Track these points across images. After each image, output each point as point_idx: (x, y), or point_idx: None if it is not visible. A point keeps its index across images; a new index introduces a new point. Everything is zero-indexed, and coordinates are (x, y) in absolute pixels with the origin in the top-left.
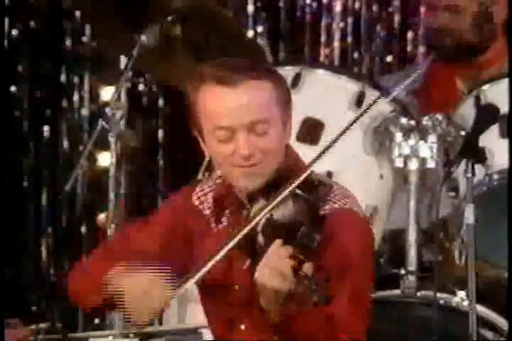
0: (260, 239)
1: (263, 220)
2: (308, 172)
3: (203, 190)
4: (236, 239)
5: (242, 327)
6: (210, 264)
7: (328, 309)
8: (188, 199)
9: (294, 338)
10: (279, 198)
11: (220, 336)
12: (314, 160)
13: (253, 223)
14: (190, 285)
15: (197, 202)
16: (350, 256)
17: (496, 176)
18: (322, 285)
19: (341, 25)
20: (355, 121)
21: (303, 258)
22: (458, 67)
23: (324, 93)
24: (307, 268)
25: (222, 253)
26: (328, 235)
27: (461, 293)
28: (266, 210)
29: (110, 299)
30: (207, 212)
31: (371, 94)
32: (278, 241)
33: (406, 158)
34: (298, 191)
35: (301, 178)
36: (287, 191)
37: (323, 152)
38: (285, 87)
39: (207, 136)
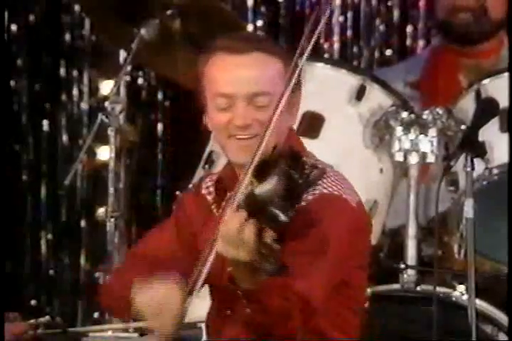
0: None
1: (244, 194)
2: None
3: (211, 179)
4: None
5: (228, 312)
6: (210, 260)
7: (299, 289)
8: (199, 191)
9: (265, 312)
10: (252, 168)
11: (210, 322)
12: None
13: (235, 199)
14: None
15: (205, 191)
16: (329, 242)
17: (495, 170)
18: (276, 256)
19: (341, 19)
20: None
21: (264, 227)
22: (459, 56)
23: (324, 86)
24: (267, 236)
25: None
26: (311, 218)
27: (461, 288)
28: (244, 184)
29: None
30: (211, 199)
31: (371, 88)
32: (231, 209)
33: (406, 152)
34: (288, 170)
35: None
36: (255, 162)
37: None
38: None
39: (209, 104)
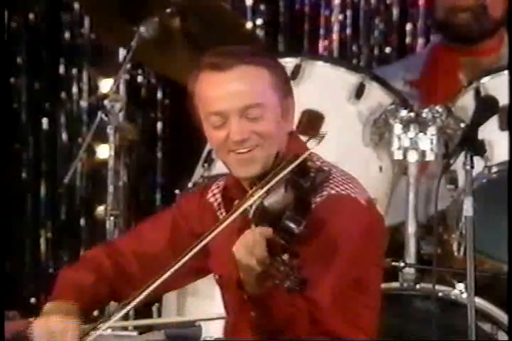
0: (252, 226)
1: (253, 207)
2: (300, 159)
3: (218, 186)
4: (218, 229)
5: (252, 313)
6: (180, 263)
7: (309, 293)
8: (204, 196)
9: (270, 316)
10: (270, 184)
11: (232, 325)
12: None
13: (239, 210)
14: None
15: (212, 199)
16: (341, 243)
17: (495, 168)
18: (295, 272)
19: (340, 17)
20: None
21: (281, 242)
22: (459, 54)
23: (323, 85)
24: (284, 252)
25: (192, 252)
26: (319, 220)
27: (460, 286)
28: (255, 197)
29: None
30: (217, 205)
31: (370, 86)
32: (260, 227)
33: (405, 151)
34: (293, 177)
35: (293, 165)
36: (278, 177)
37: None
38: (283, 73)
39: (204, 123)
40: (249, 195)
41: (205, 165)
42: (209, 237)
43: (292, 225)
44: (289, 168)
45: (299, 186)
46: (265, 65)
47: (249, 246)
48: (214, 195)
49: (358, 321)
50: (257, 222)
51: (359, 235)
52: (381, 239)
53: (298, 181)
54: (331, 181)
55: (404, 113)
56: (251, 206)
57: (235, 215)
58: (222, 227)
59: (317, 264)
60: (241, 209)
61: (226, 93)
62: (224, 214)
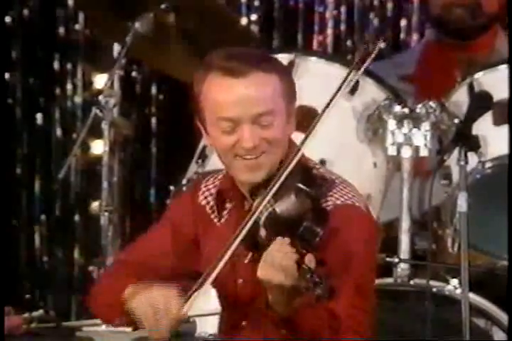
0: (262, 232)
1: (265, 214)
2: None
3: (208, 189)
4: (240, 237)
5: (244, 323)
6: (219, 267)
7: (331, 304)
8: (195, 198)
9: (300, 332)
10: (274, 189)
11: (224, 332)
12: (302, 143)
13: (254, 217)
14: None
15: (204, 202)
16: (353, 253)
17: (489, 164)
18: (324, 279)
19: (334, 13)
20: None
21: (304, 252)
22: (453, 50)
23: (318, 81)
24: (308, 260)
25: (228, 254)
26: (331, 232)
27: (454, 281)
28: (263, 203)
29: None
30: (210, 209)
31: (364, 82)
32: (280, 239)
33: (399, 146)
34: (300, 185)
35: (292, 164)
36: (281, 181)
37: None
38: (290, 79)
39: (210, 126)
40: (258, 202)
41: (199, 161)
42: (227, 254)
43: (310, 235)
44: (288, 170)
45: (307, 194)
46: (277, 72)
47: (278, 262)
48: (206, 197)
49: (356, 325)
50: (270, 228)
51: (367, 244)
52: (379, 244)
53: (305, 189)
54: (334, 190)
55: (398, 108)
56: (262, 212)
57: (249, 225)
58: (239, 241)
59: (332, 275)
60: (254, 217)
61: (239, 100)
62: (216, 219)
